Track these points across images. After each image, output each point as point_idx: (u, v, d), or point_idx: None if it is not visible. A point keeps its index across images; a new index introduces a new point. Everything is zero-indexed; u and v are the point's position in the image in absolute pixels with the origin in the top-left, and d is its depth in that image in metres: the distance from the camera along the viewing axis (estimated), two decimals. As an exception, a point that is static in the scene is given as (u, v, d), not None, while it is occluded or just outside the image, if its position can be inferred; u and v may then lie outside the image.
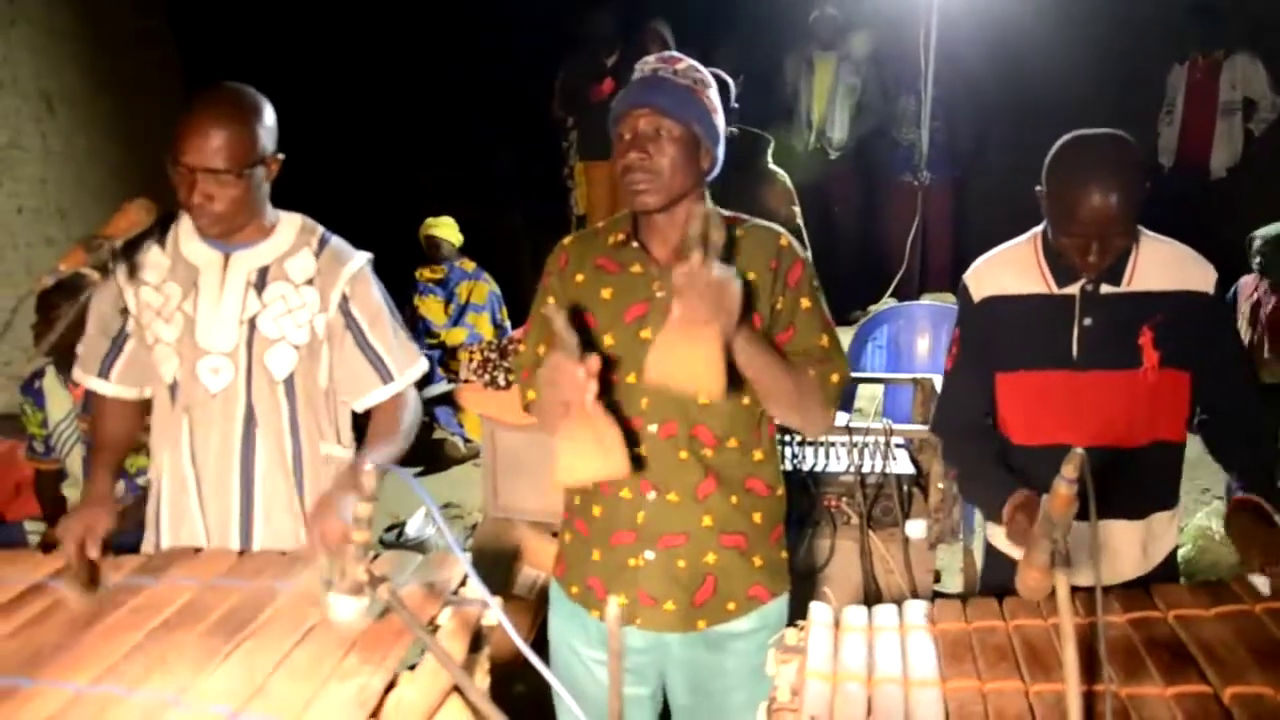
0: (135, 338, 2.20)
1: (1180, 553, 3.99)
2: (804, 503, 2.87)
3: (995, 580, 2.24)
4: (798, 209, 3.64)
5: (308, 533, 1.98)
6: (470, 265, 6.17)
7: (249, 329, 2.15)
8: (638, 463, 1.91)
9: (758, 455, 1.98)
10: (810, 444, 2.97)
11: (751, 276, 1.92)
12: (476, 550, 3.48)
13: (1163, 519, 2.22)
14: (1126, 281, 2.09)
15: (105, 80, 5.97)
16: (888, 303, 5.87)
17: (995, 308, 2.18)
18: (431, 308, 6.00)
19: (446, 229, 6.14)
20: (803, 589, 2.84)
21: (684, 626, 1.95)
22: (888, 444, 2.89)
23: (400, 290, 6.21)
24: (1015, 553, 2.07)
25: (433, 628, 1.74)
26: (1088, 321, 2.09)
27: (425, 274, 6.15)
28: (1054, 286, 2.12)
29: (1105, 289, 2.09)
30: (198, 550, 2.06)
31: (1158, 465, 2.18)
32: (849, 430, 2.89)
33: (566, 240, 2.12)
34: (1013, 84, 6.72)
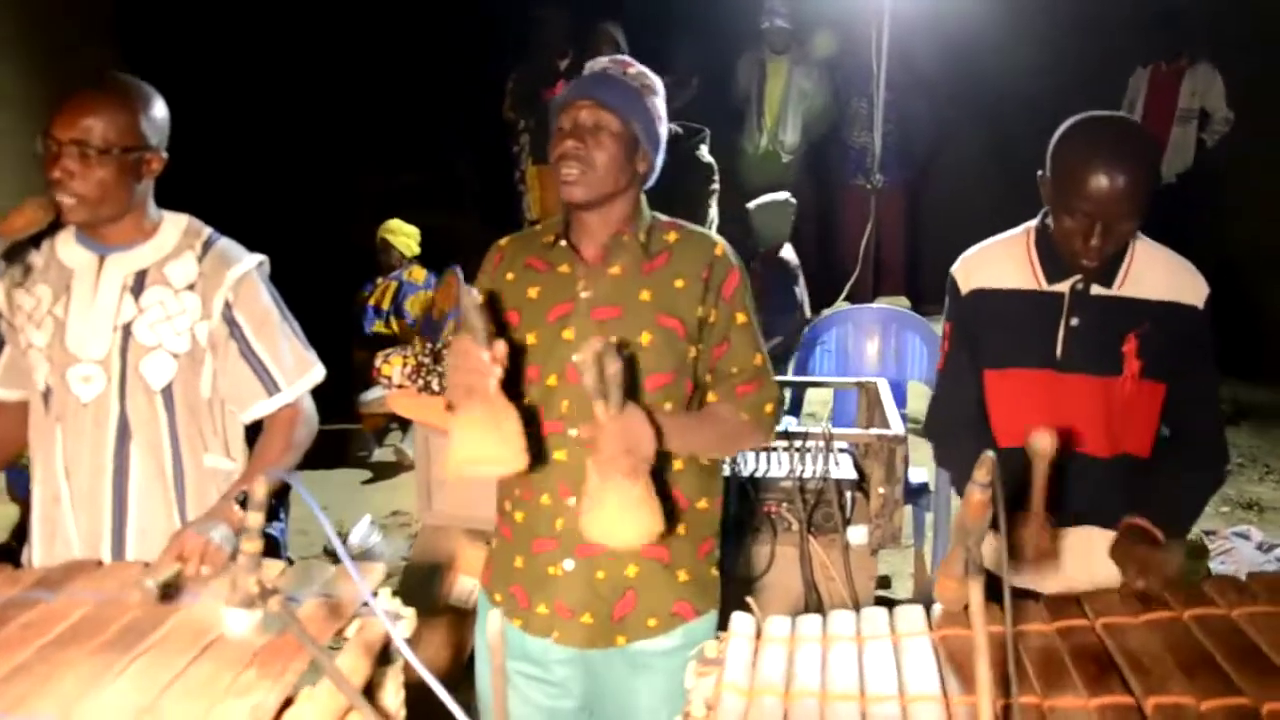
0: (10, 341, 2.10)
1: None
2: (743, 509, 2.83)
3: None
4: (714, 199, 3.61)
5: (168, 544, 1.91)
6: (421, 275, 6.05)
7: (123, 335, 2.04)
8: (557, 468, 1.87)
9: (676, 465, 1.92)
10: (751, 449, 2.92)
11: (680, 284, 1.89)
12: (414, 560, 3.40)
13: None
14: (1119, 284, 2.04)
15: (44, 82, 5.84)
16: (841, 306, 5.84)
17: (983, 301, 2.12)
18: (393, 364, 5.80)
19: (402, 237, 6.04)
20: (740, 597, 2.81)
21: (603, 642, 1.89)
22: (828, 449, 2.85)
23: (347, 293, 6.14)
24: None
25: (340, 640, 1.68)
26: (1074, 322, 2.05)
27: (379, 327, 5.97)
28: (1044, 283, 2.07)
29: (1096, 290, 2.04)
30: (99, 563, 1.98)
31: (1126, 479, 2.11)
32: (788, 436, 2.84)
33: (503, 240, 2.08)
34: (967, 86, 6.73)
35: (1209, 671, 1.49)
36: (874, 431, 2.85)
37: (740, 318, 1.91)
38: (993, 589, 1.99)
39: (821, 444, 2.87)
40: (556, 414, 1.87)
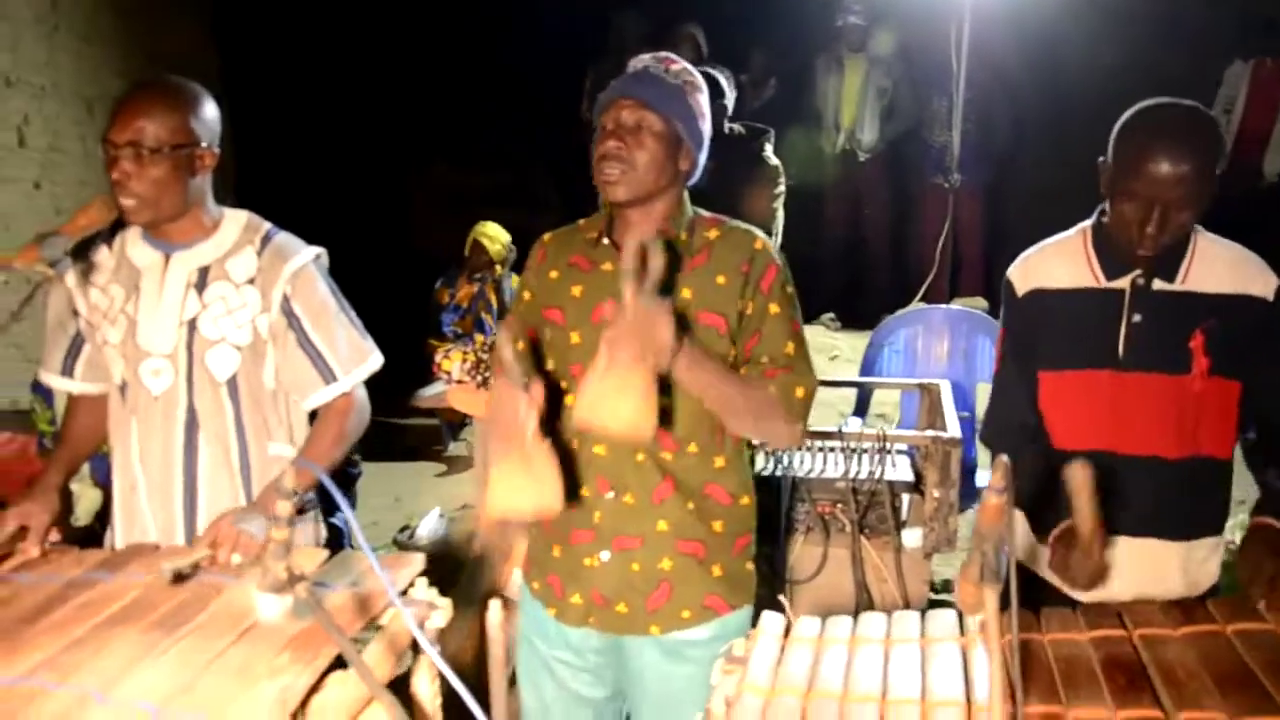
0: (88, 339, 2.20)
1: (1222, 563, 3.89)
2: (797, 509, 2.81)
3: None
4: (780, 200, 3.59)
5: (204, 531, 2.00)
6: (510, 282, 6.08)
7: (189, 330, 2.12)
8: (597, 462, 1.90)
9: (719, 462, 1.93)
10: (805, 449, 2.91)
11: (721, 280, 1.89)
12: (474, 552, 3.46)
13: (1206, 545, 2.08)
14: (1181, 279, 1.97)
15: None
16: (915, 307, 5.76)
17: (1040, 302, 2.07)
18: (453, 359, 5.84)
19: (492, 239, 6.07)
20: (791, 595, 2.80)
21: (637, 630, 1.91)
22: (883, 450, 2.82)
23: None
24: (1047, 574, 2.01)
25: (375, 628, 1.73)
26: (1137, 318, 1.98)
27: (457, 325, 5.91)
28: (1103, 280, 2.01)
29: (1158, 285, 1.98)
30: (157, 547, 2.06)
31: (1200, 483, 2.04)
32: (841, 435, 2.82)
33: (547, 236, 2.10)
34: (1049, 85, 6.58)
35: (1246, 687, 1.45)
36: (930, 433, 2.81)
37: (774, 309, 1.90)
38: (1028, 593, 1.97)
39: (877, 445, 2.84)
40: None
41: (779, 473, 2.81)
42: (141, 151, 2.00)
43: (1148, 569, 2.01)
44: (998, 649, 1.22)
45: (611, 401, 1.69)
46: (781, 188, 3.60)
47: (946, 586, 3.87)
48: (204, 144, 2.08)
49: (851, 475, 2.80)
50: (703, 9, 6.73)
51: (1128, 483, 1.96)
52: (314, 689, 1.53)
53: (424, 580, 1.83)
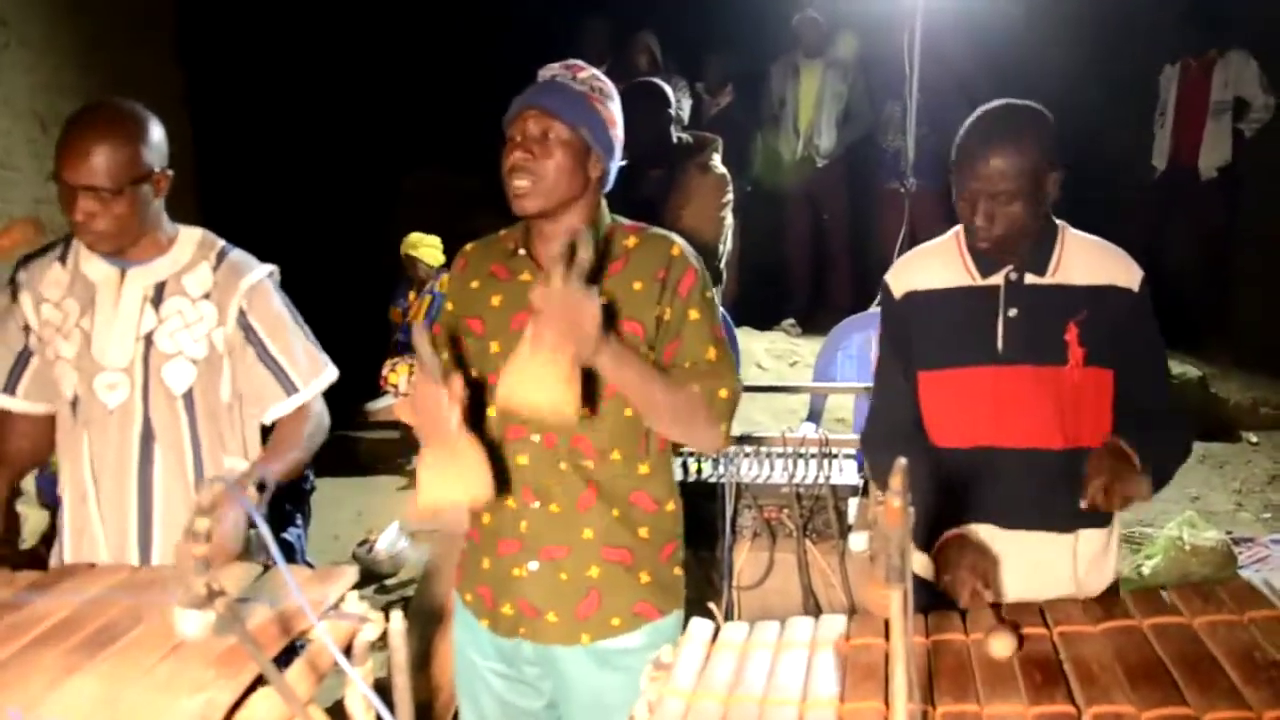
0: (38, 354, 2.21)
1: (1150, 563, 3.96)
2: (743, 515, 2.83)
3: (917, 603, 2.17)
4: (728, 209, 3.60)
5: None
6: None
7: (145, 344, 2.15)
8: (521, 472, 1.90)
9: (643, 469, 1.95)
10: (750, 455, 2.93)
11: (638, 286, 1.91)
12: (430, 567, 3.46)
13: (1092, 537, 2.11)
14: (1051, 272, 2.05)
15: (106, 89, 6.02)
16: (869, 312, 5.80)
17: (917, 302, 2.12)
18: (399, 372, 5.88)
19: (425, 249, 6.10)
20: (737, 600, 2.82)
21: (567, 639, 1.92)
22: (826, 455, 2.84)
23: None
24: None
25: (304, 641, 1.73)
26: (1012, 313, 2.04)
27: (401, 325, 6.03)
28: (977, 277, 2.08)
29: (1029, 279, 2.05)
30: (93, 566, 2.05)
31: (1082, 474, 2.04)
32: (784, 440, 2.84)
33: (469, 246, 2.12)
34: (1004, 89, 6.61)
35: (1157, 681, 1.47)
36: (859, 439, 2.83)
37: (694, 314, 1.91)
38: (926, 597, 1.99)
39: (823, 450, 2.87)
40: (520, 419, 1.90)
41: (724, 478, 2.83)
42: (103, 195, 2.03)
43: (1036, 563, 2.05)
44: (903, 649, 1.24)
45: (534, 383, 1.70)
46: (730, 196, 3.62)
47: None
48: (157, 169, 2.12)
49: (796, 480, 2.82)
50: (662, 17, 6.78)
51: (1012, 476, 2.02)
52: (239, 705, 1.53)
53: (354, 594, 1.84)
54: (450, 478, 1.75)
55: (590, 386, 1.78)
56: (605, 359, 1.74)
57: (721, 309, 3.90)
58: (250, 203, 6.45)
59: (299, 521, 3.69)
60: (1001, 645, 1.57)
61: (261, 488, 2.05)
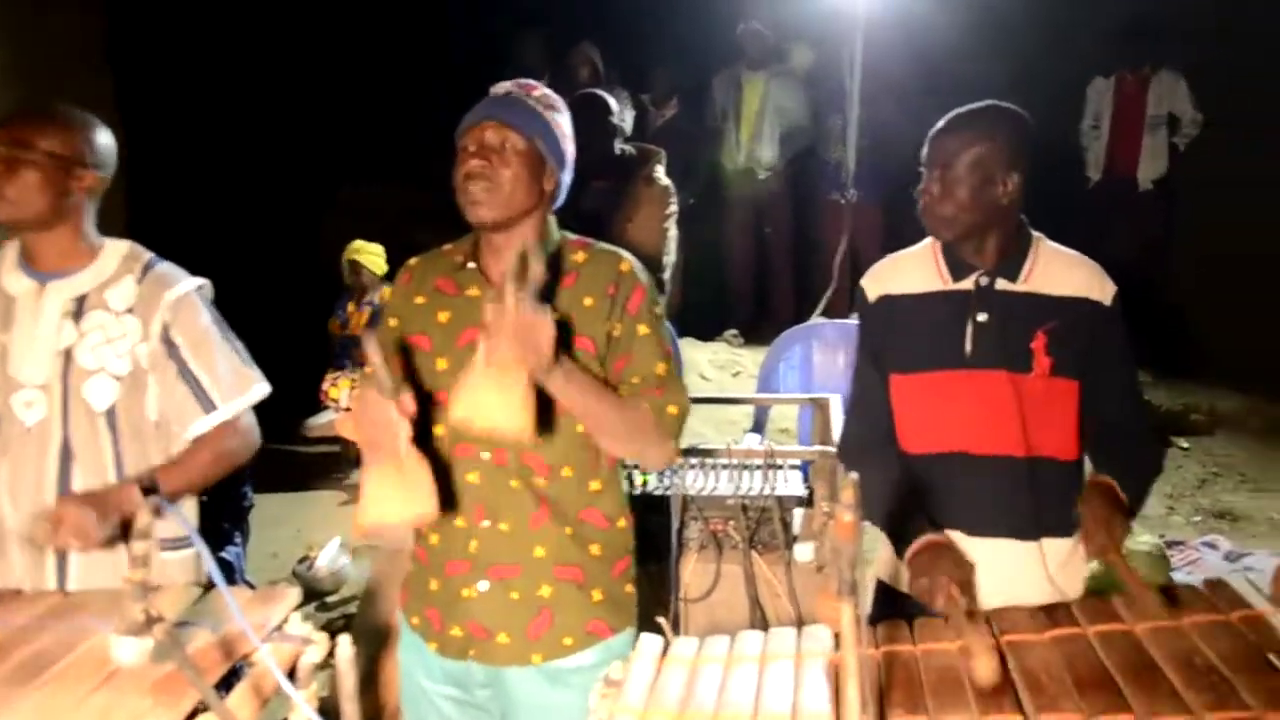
0: None
1: (1088, 568, 4.01)
2: (690, 527, 2.83)
3: (884, 613, 2.18)
4: (672, 221, 3.62)
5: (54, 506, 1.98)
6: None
7: (64, 360, 2.08)
8: (471, 490, 1.88)
9: (594, 485, 1.93)
10: (696, 467, 2.93)
11: (589, 302, 1.89)
12: (371, 584, 3.41)
13: (1059, 546, 2.13)
14: (1023, 279, 2.07)
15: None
16: (812, 322, 5.85)
17: (891, 306, 2.14)
18: (340, 387, 5.77)
19: (370, 255, 6.05)
20: (687, 616, 2.81)
21: (519, 660, 1.90)
22: (770, 466, 2.85)
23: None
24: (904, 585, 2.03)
25: (248, 664, 1.69)
26: (981, 317, 2.06)
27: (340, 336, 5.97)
28: (949, 281, 2.10)
29: (1001, 285, 2.07)
30: (19, 592, 1.99)
31: (1045, 483, 2.10)
32: (730, 452, 2.85)
33: (413, 261, 2.09)
34: (942, 101, 6.73)
35: (1103, 688, 1.48)
36: (818, 448, 2.85)
37: (643, 330, 1.91)
38: (892, 605, 2.00)
39: (768, 461, 2.87)
40: (469, 437, 1.88)
41: (670, 491, 2.82)
42: (16, 153, 1.99)
43: (1005, 570, 2.06)
44: (854, 662, 1.24)
45: (489, 401, 1.68)
46: (673, 208, 3.63)
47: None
48: (88, 164, 2.08)
49: (742, 492, 2.82)
50: (606, 28, 6.79)
51: (976, 483, 2.04)
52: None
53: (297, 616, 1.80)
54: (396, 495, 1.72)
55: (544, 404, 1.76)
56: (557, 377, 1.73)
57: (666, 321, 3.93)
58: (184, 212, 6.35)
59: (237, 540, 3.61)
60: (984, 668, 1.56)
61: (148, 491, 2.01)
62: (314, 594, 4.59)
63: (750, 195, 6.82)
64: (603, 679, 1.66)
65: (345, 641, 1.16)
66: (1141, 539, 4.06)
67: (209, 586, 2.04)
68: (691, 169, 6.59)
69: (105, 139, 2.13)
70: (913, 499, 2.04)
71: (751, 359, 6.35)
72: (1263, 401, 6.07)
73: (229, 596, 1.32)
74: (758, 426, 4.16)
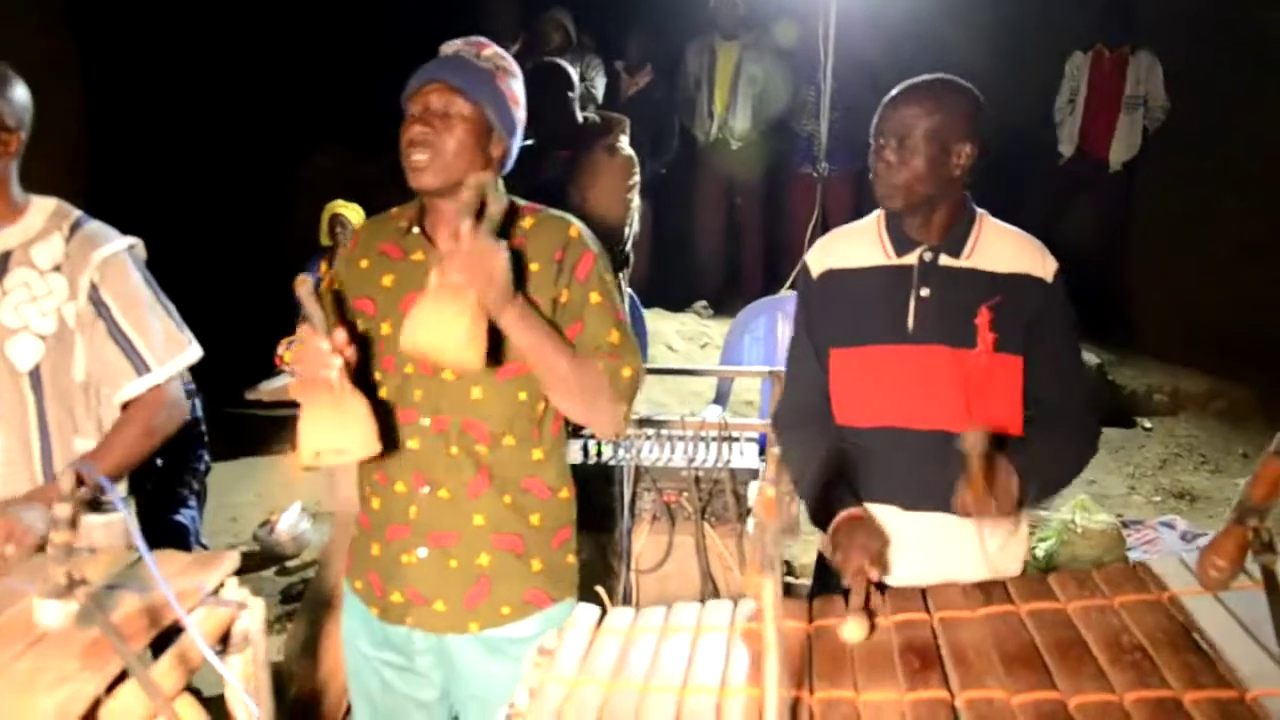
0: None
1: (1043, 546, 4.06)
2: (643, 498, 2.83)
3: (823, 587, 2.19)
4: (635, 191, 3.59)
5: None
6: None
7: None
8: (411, 456, 1.87)
9: (537, 455, 1.92)
10: (651, 438, 2.93)
11: (535, 267, 1.88)
12: (327, 549, 3.40)
13: (1000, 524, 2.10)
14: (966, 255, 2.07)
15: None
16: (776, 295, 5.84)
17: (834, 281, 2.14)
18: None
19: (351, 211, 5.96)
20: (639, 586, 2.82)
21: (456, 628, 1.89)
22: (725, 439, 2.85)
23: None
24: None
25: (178, 630, 1.67)
26: (925, 292, 2.06)
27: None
28: (893, 256, 2.10)
29: (944, 260, 2.07)
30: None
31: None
32: (683, 424, 2.85)
33: (359, 224, 2.07)
34: (913, 75, 6.72)
35: (1030, 666, 1.49)
36: (769, 420, 2.85)
37: (595, 297, 1.89)
38: (831, 579, 2.01)
39: (722, 434, 2.88)
40: (410, 403, 1.87)
41: (623, 461, 2.82)
42: None
43: (942, 545, 2.07)
44: (773, 637, 1.24)
45: (438, 327, 1.68)
46: (636, 178, 3.60)
47: (787, 570, 3.94)
48: (8, 126, 2.01)
49: (696, 464, 2.82)
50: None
51: (915, 458, 2.04)
52: (109, 696, 1.48)
53: (234, 580, 1.79)
54: (332, 426, 1.71)
55: (495, 341, 1.75)
56: (512, 315, 1.73)
57: (630, 291, 3.91)
58: (145, 176, 6.25)
59: (192, 503, 3.61)
60: (852, 630, 1.59)
61: (81, 482, 1.98)
62: (275, 558, 4.58)
63: (722, 166, 6.78)
64: (536, 648, 1.66)
65: (258, 606, 1.15)
66: (1098, 518, 4.11)
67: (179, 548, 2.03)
68: (664, 138, 6.56)
69: (21, 95, 2.06)
70: (840, 473, 2.04)
71: (720, 331, 6.35)
72: (1226, 383, 6.12)
73: (150, 561, 1.31)
74: (720, 399, 4.16)
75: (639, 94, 6.73)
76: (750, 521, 2.85)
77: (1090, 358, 6.18)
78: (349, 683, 2.09)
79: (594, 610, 1.74)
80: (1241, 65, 5.92)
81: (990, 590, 1.75)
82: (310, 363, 1.71)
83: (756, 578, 1.44)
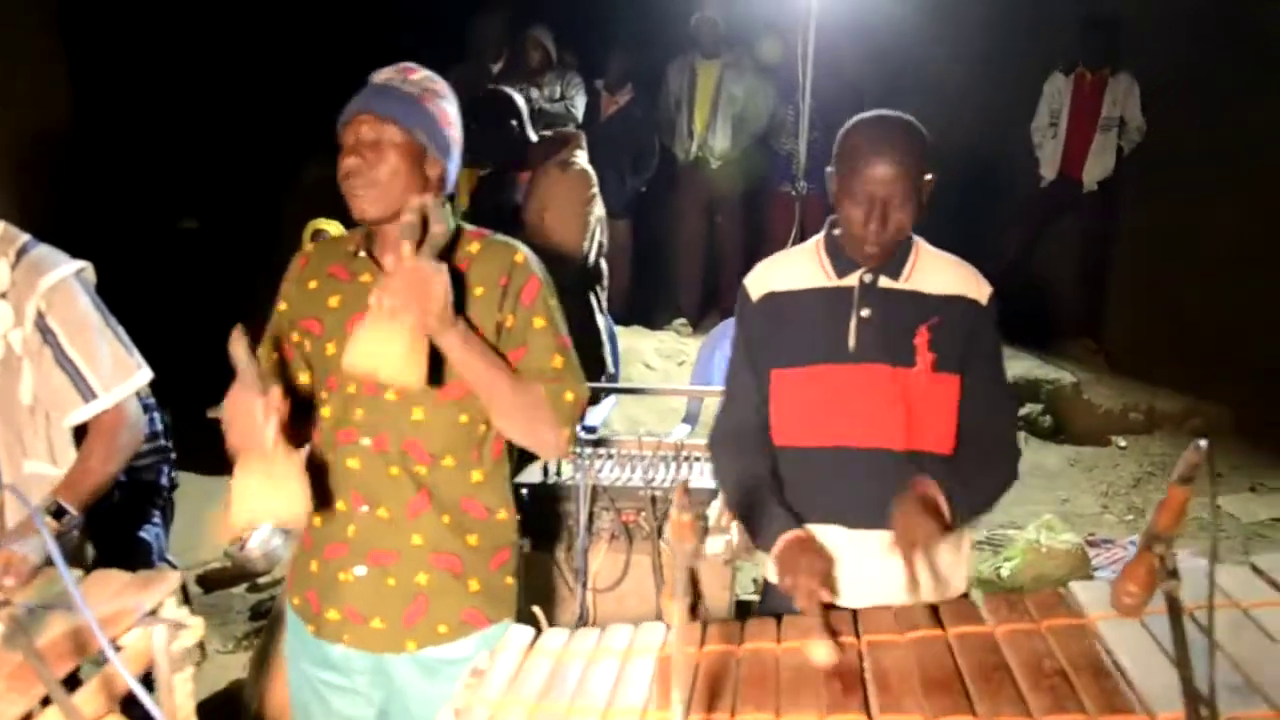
0: None
1: (1008, 565, 4.07)
2: (601, 517, 2.84)
3: (773, 607, 2.19)
4: (594, 204, 3.60)
5: None
6: None
7: None
8: (351, 476, 1.89)
9: (476, 476, 1.94)
10: (609, 457, 2.94)
11: (480, 291, 1.89)
12: (288, 568, 3.40)
13: (943, 543, 2.09)
14: (905, 278, 2.10)
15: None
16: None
17: (775, 304, 2.15)
18: None
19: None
20: (596, 605, 2.83)
21: (393, 646, 1.90)
22: (682, 458, 2.87)
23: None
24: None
25: (116, 647, 1.68)
26: (865, 313, 2.08)
27: None
28: (833, 277, 2.12)
29: (884, 282, 2.09)
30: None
31: (923, 475, 2.07)
32: (640, 444, 2.86)
33: (309, 247, 2.11)
34: (893, 94, 6.76)
35: (949, 690, 1.51)
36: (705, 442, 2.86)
37: (538, 322, 1.91)
38: (777, 601, 2.01)
39: (679, 454, 2.89)
40: (351, 422, 1.89)
41: (579, 480, 2.83)
42: None
43: (886, 563, 2.07)
44: (682, 662, 1.26)
45: (380, 348, 1.71)
46: (594, 192, 3.59)
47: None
48: None
49: (654, 483, 2.83)
50: (560, 12, 6.75)
51: (856, 476, 2.06)
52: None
53: (173, 600, 1.80)
54: (265, 493, 1.72)
55: (436, 362, 1.77)
56: (454, 337, 1.76)
57: (604, 316, 3.91)
58: (134, 183, 6.26)
59: (156, 519, 3.58)
60: (820, 652, 1.60)
61: (59, 514, 2.01)
62: (246, 575, 4.56)
63: (702, 184, 6.80)
64: (470, 669, 1.68)
65: (160, 630, 1.16)
66: (1063, 537, 4.12)
67: (90, 568, 2.04)
68: (644, 157, 6.58)
69: None
70: (776, 494, 2.06)
71: (697, 348, 6.36)
72: (1202, 402, 6.13)
73: (69, 580, 1.31)
74: (690, 418, 4.17)
75: (619, 112, 6.75)
76: (708, 542, 2.86)
77: (1067, 377, 6.21)
78: (290, 700, 2.10)
79: (528, 631, 1.76)
80: (1242, 65, 5.93)
81: (919, 614, 1.76)
82: (243, 425, 1.72)
83: (668, 601, 1.46)
